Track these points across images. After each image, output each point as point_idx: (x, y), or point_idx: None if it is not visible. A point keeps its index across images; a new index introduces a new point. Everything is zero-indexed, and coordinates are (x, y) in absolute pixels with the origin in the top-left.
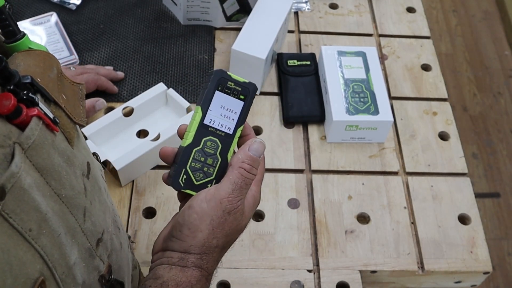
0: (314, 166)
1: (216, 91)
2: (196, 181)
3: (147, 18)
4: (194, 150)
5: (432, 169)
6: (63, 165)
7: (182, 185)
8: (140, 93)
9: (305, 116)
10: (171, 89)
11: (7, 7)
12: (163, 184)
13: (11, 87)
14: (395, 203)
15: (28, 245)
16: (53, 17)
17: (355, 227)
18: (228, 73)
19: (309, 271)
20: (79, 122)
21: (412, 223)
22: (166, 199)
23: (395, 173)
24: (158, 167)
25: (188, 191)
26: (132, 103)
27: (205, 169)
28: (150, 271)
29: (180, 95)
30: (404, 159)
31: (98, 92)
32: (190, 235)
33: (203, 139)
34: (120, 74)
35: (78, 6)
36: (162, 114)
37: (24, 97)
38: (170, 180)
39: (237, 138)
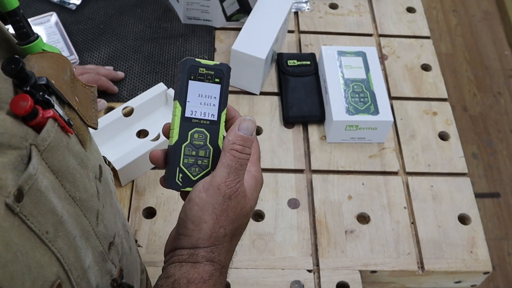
0: (314, 166)
1: (190, 81)
2: (194, 177)
3: (147, 18)
4: (183, 145)
5: (432, 169)
6: (77, 167)
7: (180, 184)
8: (140, 93)
9: (305, 116)
10: (171, 89)
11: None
12: None
13: (28, 89)
14: (395, 203)
15: (45, 248)
16: (53, 17)
17: (355, 227)
18: (197, 59)
19: (309, 271)
20: (92, 124)
21: (412, 223)
22: (166, 199)
23: (395, 173)
24: (158, 167)
25: (188, 189)
26: (132, 103)
27: (199, 162)
28: (163, 271)
29: None
30: (404, 159)
31: (98, 92)
32: (195, 229)
33: (189, 132)
34: (120, 74)
35: (78, 6)
36: (162, 114)
37: (40, 98)
38: (167, 183)
39: (224, 123)
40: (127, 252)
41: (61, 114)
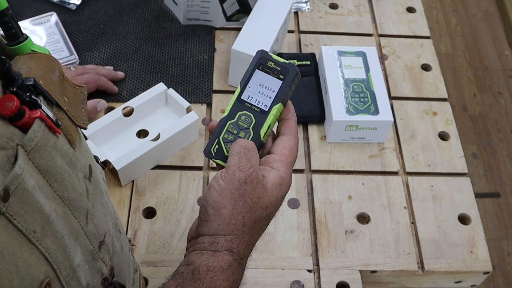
0: (314, 166)
1: (256, 70)
2: (227, 152)
3: (147, 18)
4: (229, 122)
5: (432, 169)
6: (65, 167)
7: (213, 154)
8: (140, 93)
9: (305, 116)
10: (171, 89)
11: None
12: (163, 184)
13: (14, 89)
14: (395, 203)
15: (33, 247)
16: (53, 17)
17: (355, 227)
18: (270, 53)
19: (309, 271)
20: (81, 124)
21: (412, 223)
22: (166, 199)
23: (395, 173)
24: (158, 167)
25: (218, 161)
26: (132, 103)
27: None
28: (184, 258)
29: (180, 95)
30: (404, 159)
31: (98, 92)
32: (216, 214)
33: (238, 113)
34: (120, 74)
35: (78, 6)
36: (162, 114)
37: (27, 99)
38: (204, 149)
39: (273, 116)
40: (118, 251)
41: (49, 114)
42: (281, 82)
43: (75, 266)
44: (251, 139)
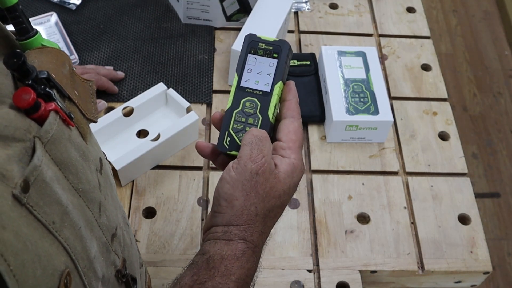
0: (314, 166)
1: (249, 55)
2: (240, 142)
3: (147, 18)
4: (235, 112)
5: (432, 169)
6: (79, 159)
7: (227, 147)
8: (140, 93)
9: (305, 116)
10: (171, 89)
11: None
12: (163, 184)
13: (29, 82)
14: (395, 203)
15: (52, 238)
16: (53, 17)
17: (355, 227)
18: (258, 35)
19: (309, 271)
20: (91, 118)
21: (412, 223)
22: (166, 199)
23: (395, 173)
24: (158, 167)
25: (233, 153)
26: (132, 103)
27: (247, 128)
28: (200, 249)
29: (180, 95)
30: (404, 159)
31: (98, 92)
32: (228, 206)
33: (242, 101)
34: (120, 74)
35: (78, 6)
36: (162, 114)
37: (42, 92)
38: (217, 145)
39: (277, 96)
40: (128, 244)
41: (62, 107)
42: (276, 60)
43: (92, 257)
44: (261, 123)
